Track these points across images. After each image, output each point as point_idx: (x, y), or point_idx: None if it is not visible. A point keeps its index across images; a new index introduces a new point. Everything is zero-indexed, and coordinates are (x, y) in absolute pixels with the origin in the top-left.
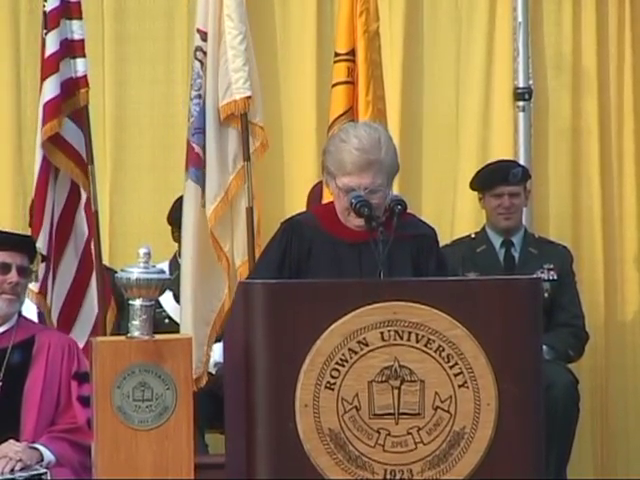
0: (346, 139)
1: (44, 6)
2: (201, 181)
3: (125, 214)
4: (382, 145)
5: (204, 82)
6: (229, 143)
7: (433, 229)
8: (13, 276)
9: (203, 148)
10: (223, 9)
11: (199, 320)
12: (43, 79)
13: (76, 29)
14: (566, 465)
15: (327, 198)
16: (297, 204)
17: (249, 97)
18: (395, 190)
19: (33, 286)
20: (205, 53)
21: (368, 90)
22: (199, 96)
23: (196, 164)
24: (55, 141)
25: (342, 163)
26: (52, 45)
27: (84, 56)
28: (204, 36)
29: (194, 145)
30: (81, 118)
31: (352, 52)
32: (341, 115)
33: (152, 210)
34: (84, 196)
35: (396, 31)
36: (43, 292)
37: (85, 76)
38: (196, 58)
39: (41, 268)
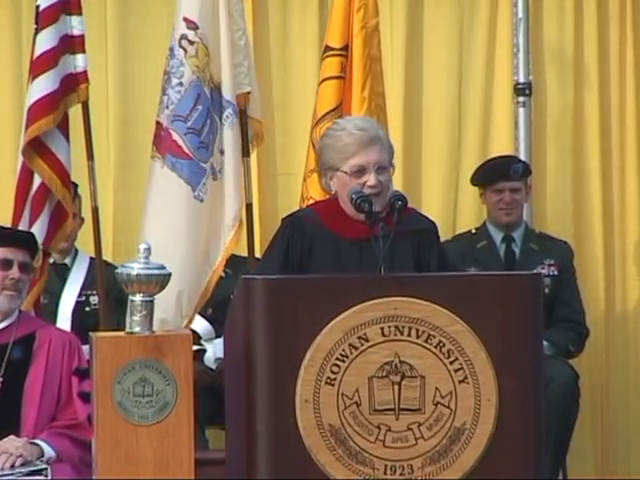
0: (341, 127)
1: (36, 0)
2: (177, 169)
3: (128, 211)
4: (377, 127)
5: (187, 70)
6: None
7: (434, 223)
8: (15, 272)
9: (183, 136)
10: (220, 3)
11: (172, 311)
12: (34, 77)
13: (76, 24)
14: (564, 459)
15: (317, 196)
16: (294, 201)
17: (248, 92)
18: (397, 185)
19: None
20: (191, 42)
21: (364, 86)
22: (180, 84)
23: (174, 151)
24: (37, 148)
25: (345, 147)
26: (47, 42)
27: (84, 52)
28: (191, 25)
29: (172, 132)
30: (67, 128)
31: (346, 47)
32: (331, 110)
33: None
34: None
35: (397, 27)
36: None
37: (85, 71)
38: (180, 46)
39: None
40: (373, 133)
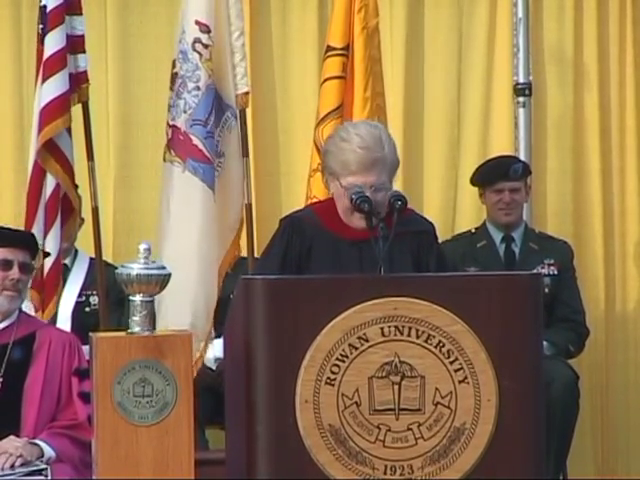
0: (348, 138)
1: (40, 1)
2: (200, 173)
3: (128, 211)
4: (384, 142)
5: (203, 74)
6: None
7: (432, 224)
8: (15, 273)
9: (204, 140)
10: (221, 3)
11: (201, 316)
12: (45, 78)
13: (77, 25)
14: (565, 461)
15: (320, 195)
16: (294, 200)
17: (247, 93)
18: (397, 186)
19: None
20: (205, 45)
21: (366, 87)
22: (197, 88)
23: (195, 156)
24: (50, 149)
25: (346, 163)
26: (56, 43)
27: (84, 52)
28: (204, 28)
29: (192, 136)
30: (70, 127)
31: (347, 47)
32: (333, 110)
33: (156, 207)
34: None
35: (397, 27)
36: (37, 287)
37: (85, 72)
38: (194, 50)
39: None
40: (376, 154)
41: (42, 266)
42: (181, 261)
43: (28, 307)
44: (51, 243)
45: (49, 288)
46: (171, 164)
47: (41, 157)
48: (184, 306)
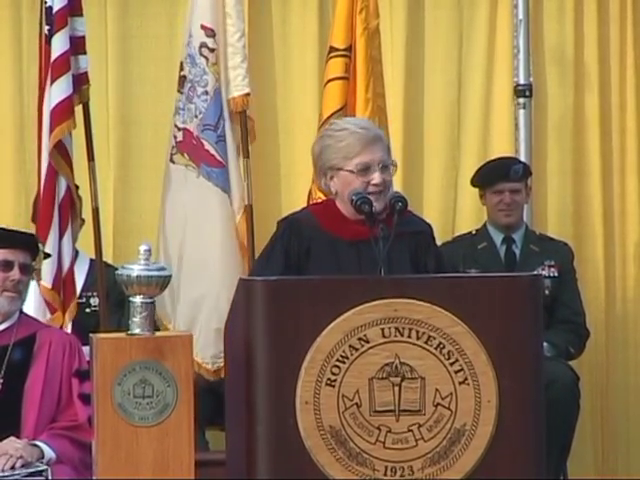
0: (342, 127)
1: (45, 2)
2: (213, 178)
3: (129, 212)
4: (376, 126)
5: (211, 78)
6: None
7: (429, 225)
8: (15, 274)
9: (215, 145)
10: (222, 5)
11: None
12: (53, 80)
13: (77, 26)
14: (566, 462)
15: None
16: (295, 202)
17: (248, 94)
18: (397, 186)
19: (46, 282)
20: (211, 50)
21: (368, 87)
22: (206, 92)
23: (208, 161)
24: (59, 150)
25: (349, 146)
26: (63, 45)
27: (85, 53)
28: (209, 32)
29: (203, 141)
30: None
31: (349, 48)
32: (337, 111)
33: (156, 208)
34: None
35: (397, 28)
36: (56, 288)
37: (86, 73)
38: (201, 54)
39: (46, 263)
40: (375, 132)
41: (60, 268)
42: (203, 266)
43: (40, 310)
44: (66, 244)
45: (69, 289)
46: (185, 167)
47: (54, 159)
48: (209, 311)
